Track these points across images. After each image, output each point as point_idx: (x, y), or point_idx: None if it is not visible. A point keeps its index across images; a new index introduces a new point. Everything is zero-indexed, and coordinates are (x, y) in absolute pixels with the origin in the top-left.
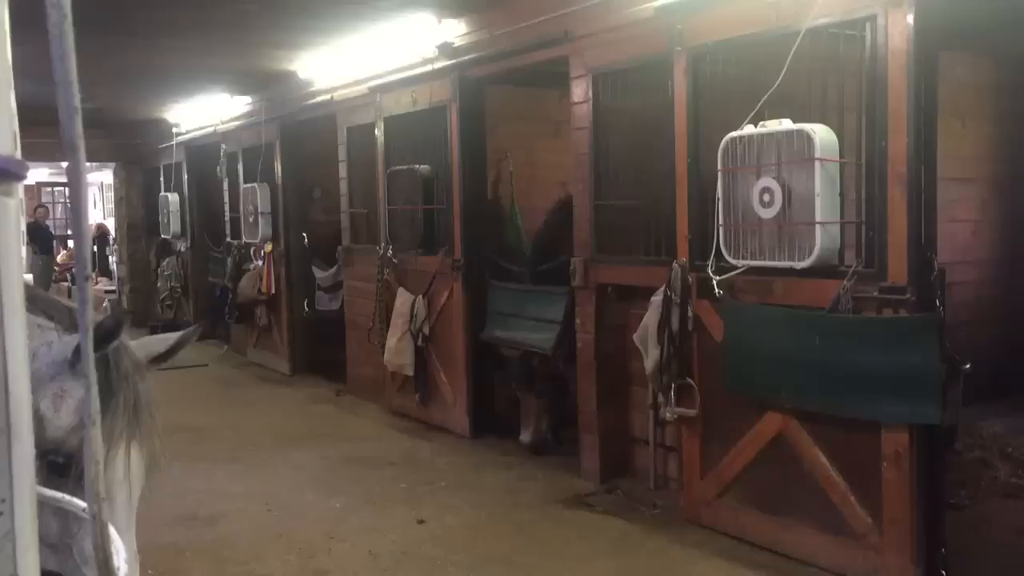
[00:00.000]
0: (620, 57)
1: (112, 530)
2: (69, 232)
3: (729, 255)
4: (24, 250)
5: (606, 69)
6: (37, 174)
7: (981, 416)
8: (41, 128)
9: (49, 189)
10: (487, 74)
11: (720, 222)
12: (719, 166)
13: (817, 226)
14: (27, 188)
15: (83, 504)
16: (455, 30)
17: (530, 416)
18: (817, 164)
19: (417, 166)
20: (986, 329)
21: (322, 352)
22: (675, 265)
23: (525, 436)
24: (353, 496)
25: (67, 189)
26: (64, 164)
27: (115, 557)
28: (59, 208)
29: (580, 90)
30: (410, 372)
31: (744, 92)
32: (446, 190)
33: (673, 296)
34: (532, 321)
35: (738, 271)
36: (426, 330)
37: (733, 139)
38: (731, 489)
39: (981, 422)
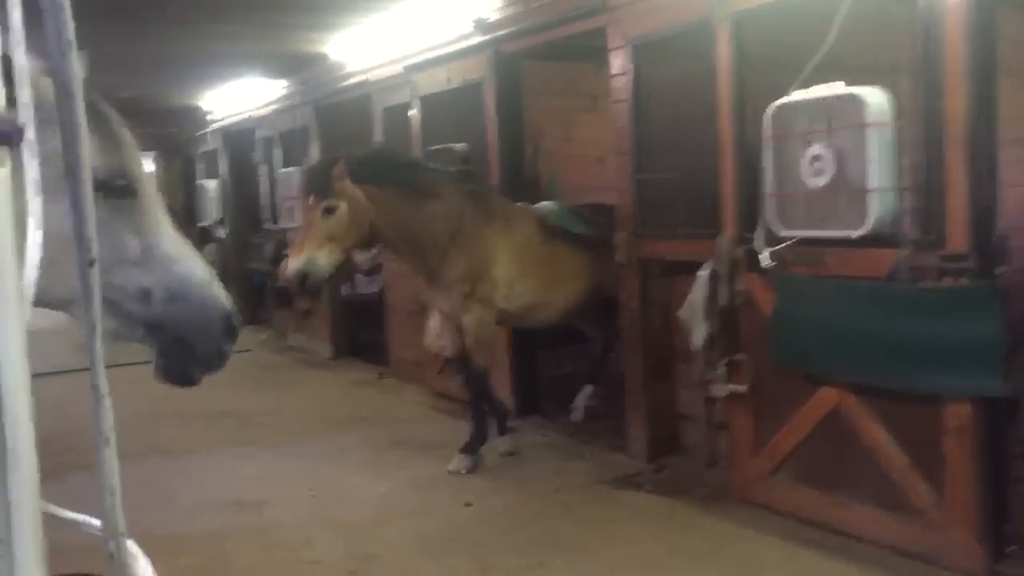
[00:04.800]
0: (660, 26)
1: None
2: None
3: (778, 226)
4: (37, 234)
5: (645, 39)
6: None
7: None
8: None
9: None
10: (523, 49)
11: (768, 192)
12: (766, 134)
13: (871, 193)
14: None
15: (98, 523)
16: (490, 4)
17: None
18: (870, 128)
19: (453, 145)
20: None
21: (363, 335)
22: (722, 238)
23: None
24: (399, 480)
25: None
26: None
27: None
28: None
29: (619, 61)
30: (451, 354)
31: (791, 57)
32: (483, 169)
33: (720, 270)
34: None
35: (788, 242)
36: None
37: (781, 106)
38: (785, 466)
39: None
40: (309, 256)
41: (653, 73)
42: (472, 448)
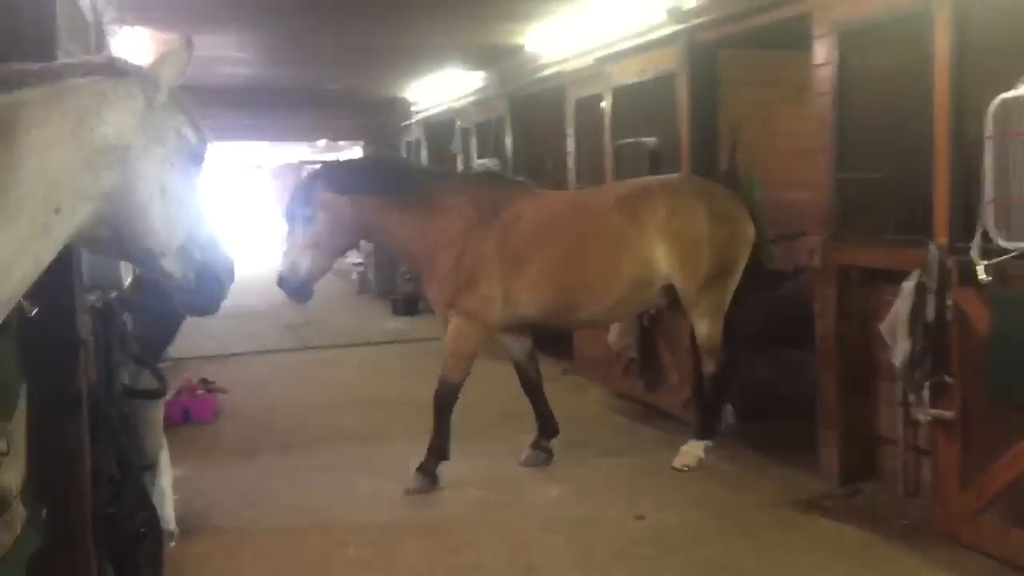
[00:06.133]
0: (870, 12)
1: None
2: None
3: (999, 236)
4: None
5: (853, 26)
6: (299, 152)
7: None
8: (293, 110)
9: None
10: (719, 37)
11: (988, 197)
12: (988, 132)
13: None
14: (288, 166)
15: None
16: None
17: None
18: None
19: (644, 139)
20: None
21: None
22: (931, 247)
23: None
24: (571, 484)
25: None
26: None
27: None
28: None
29: (823, 51)
30: (634, 353)
31: (1019, 45)
32: (674, 164)
33: (928, 282)
34: None
35: (1010, 255)
36: (652, 310)
37: (1006, 100)
38: (996, 504)
39: None
40: (292, 261)
41: (860, 63)
42: (433, 459)
